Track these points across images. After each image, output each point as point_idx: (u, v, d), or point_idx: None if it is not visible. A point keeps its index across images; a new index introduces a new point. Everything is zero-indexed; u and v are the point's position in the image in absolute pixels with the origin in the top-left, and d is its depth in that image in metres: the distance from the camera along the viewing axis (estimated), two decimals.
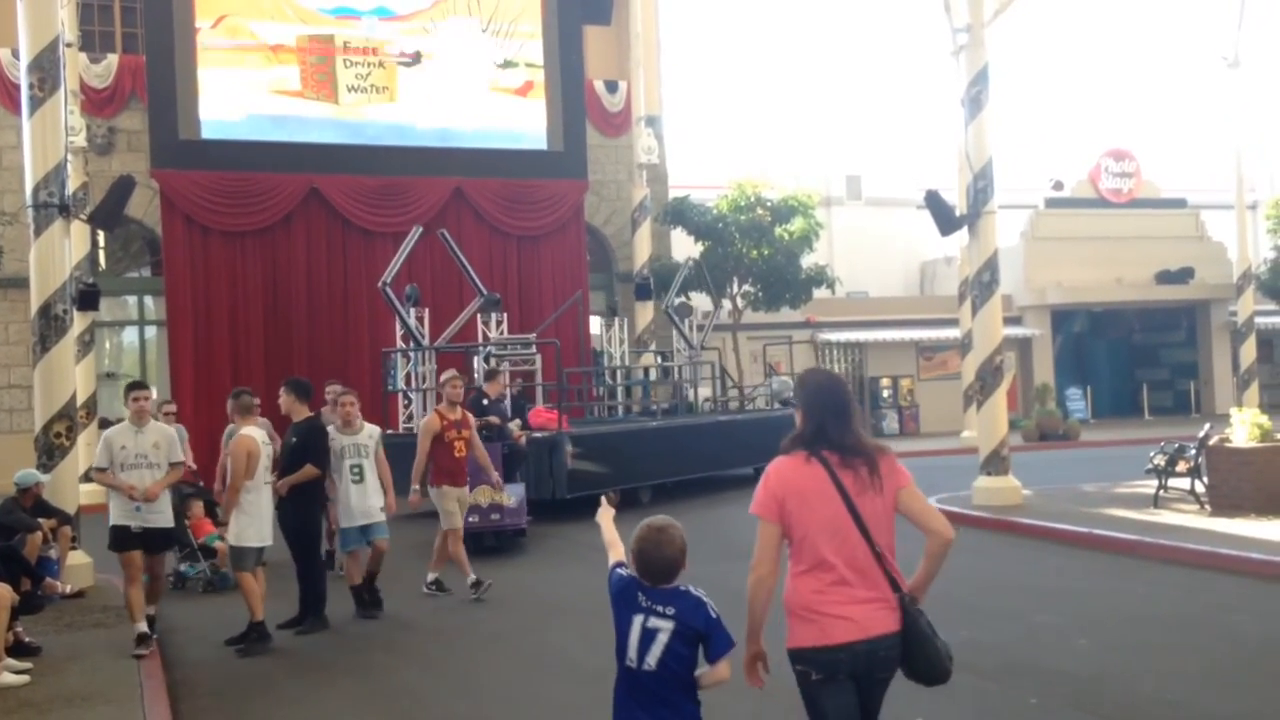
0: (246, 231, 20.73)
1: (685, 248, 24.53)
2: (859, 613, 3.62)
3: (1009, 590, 9.20)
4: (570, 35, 23.12)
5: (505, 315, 18.66)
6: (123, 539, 7.79)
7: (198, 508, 10.91)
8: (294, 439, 8.52)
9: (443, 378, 10.31)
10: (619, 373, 20.74)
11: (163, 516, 7.98)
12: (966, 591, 9.12)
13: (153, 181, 20.36)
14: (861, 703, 3.68)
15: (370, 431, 9.17)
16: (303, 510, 8.48)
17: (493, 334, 17.67)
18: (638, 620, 3.59)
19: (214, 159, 20.46)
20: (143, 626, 7.68)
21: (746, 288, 24.14)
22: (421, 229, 17.86)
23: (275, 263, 20.96)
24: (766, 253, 23.30)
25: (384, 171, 21.39)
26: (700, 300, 25.82)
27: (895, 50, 38.96)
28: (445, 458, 9.61)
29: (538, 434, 14.43)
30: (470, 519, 11.57)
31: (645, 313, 23.05)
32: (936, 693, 4.03)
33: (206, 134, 20.54)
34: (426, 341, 16.71)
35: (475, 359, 16.30)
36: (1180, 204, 32.85)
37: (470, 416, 10.20)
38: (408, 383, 17.01)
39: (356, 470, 8.95)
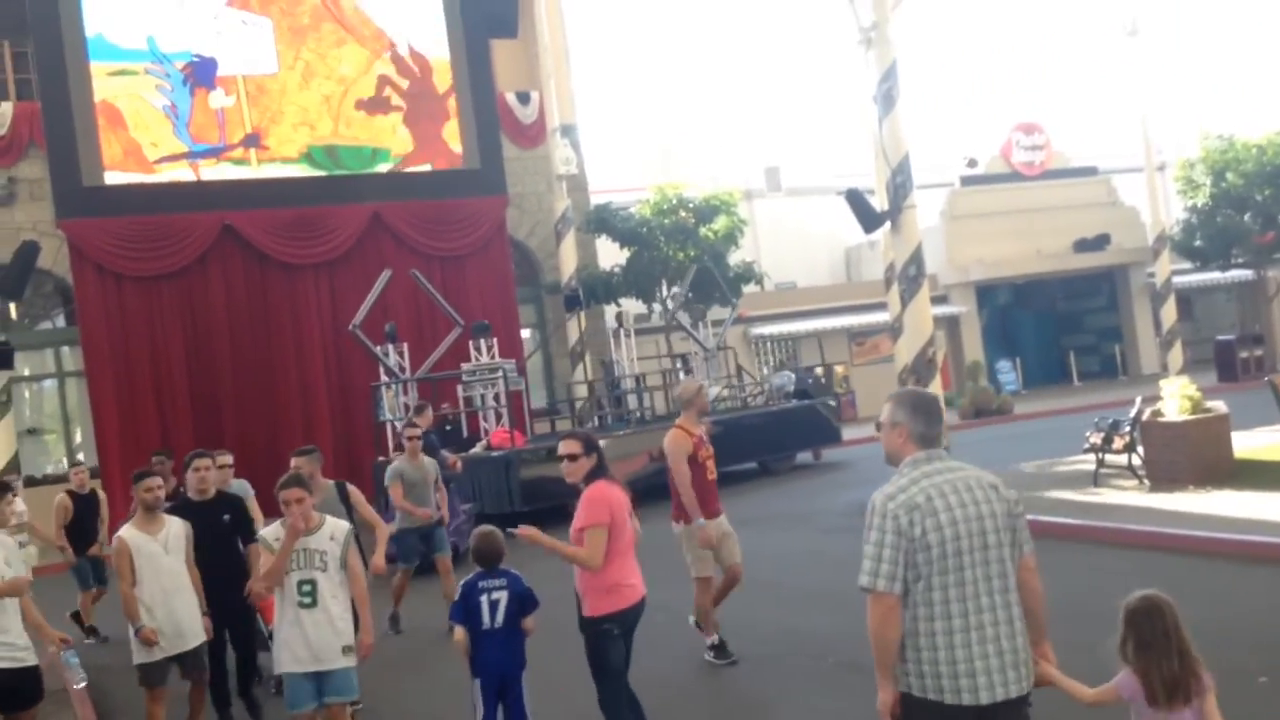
0: (161, 275, 20.16)
1: (611, 255, 24.43)
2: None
3: None
4: (478, 50, 22.85)
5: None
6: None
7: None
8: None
9: (680, 387, 8.41)
10: (634, 380, 20.88)
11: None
12: None
13: (59, 231, 19.74)
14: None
15: (333, 530, 5.94)
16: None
17: (484, 358, 18.56)
18: (483, 597, 5.55)
19: (120, 204, 19.88)
20: None
21: (675, 290, 24.11)
22: (390, 272, 18.85)
23: (193, 305, 20.44)
24: (693, 253, 23.26)
25: (298, 202, 20.96)
26: (630, 305, 25.78)
27: (803, 40, 39.20)
28: (698, 481, 7.64)
29: (494, 453, 15.69)
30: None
31: (575, 322, 22.91)
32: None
33: (110, 179, 19.94)
34: (409, 373, 17.90)
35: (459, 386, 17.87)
36: (1091, 172, 33.51)
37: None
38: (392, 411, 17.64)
39: (307, 589, 5.80)
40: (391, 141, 22.01)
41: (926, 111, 35.78)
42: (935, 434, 3.74)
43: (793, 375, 21.69)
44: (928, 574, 3.52)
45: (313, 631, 5.70)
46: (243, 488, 9.03)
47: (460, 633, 5.61)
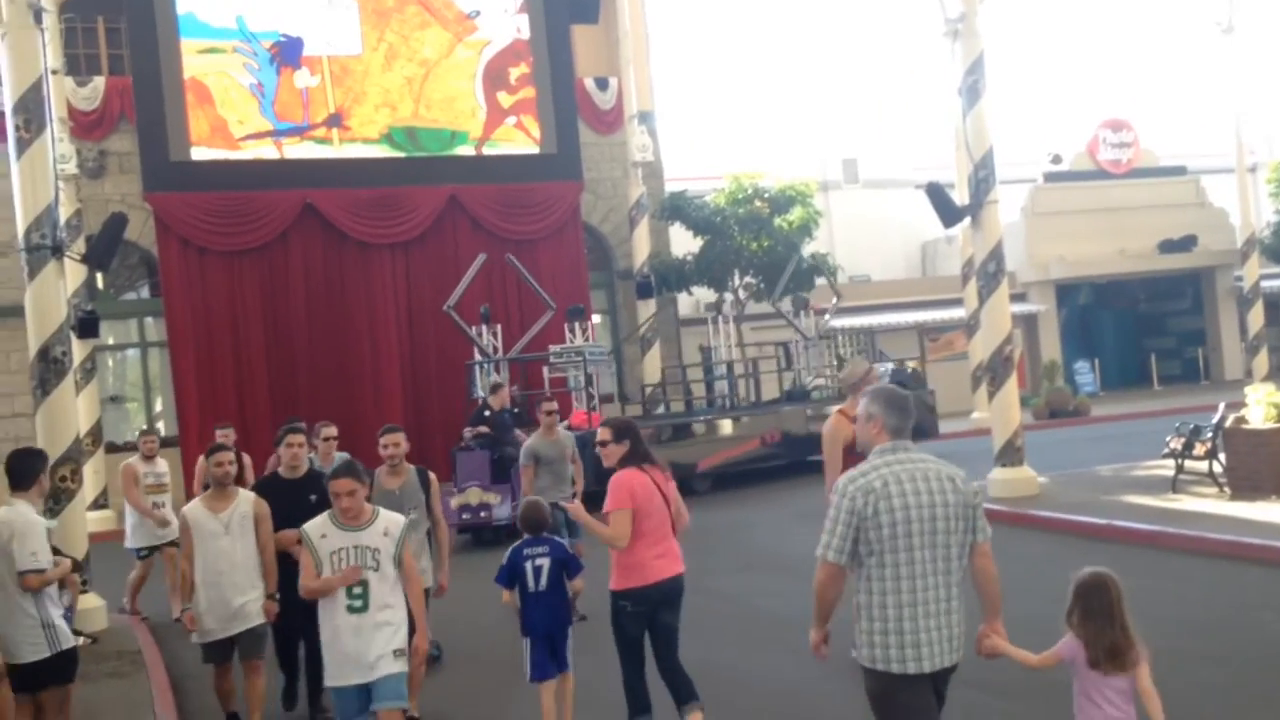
0: (243, 250, 20.58)
1: (684, 243, 24.37)
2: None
3: (1031, 594, 9.01)
4: (559, 35, 22.91)
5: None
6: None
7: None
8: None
9: (846, 369, 7.79)
10: (730, 367, 20.96)
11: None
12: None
13: (146, 204, 20.23)
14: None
15: (386, 524, 5.42)
16: None
17: (578, 340, 18.86)
18: (528, 563, 6.04)
19: (206, 179, 20.32)
20: None
21: (748, 279, 23.97)
22: (485, 255, 19.20)
23: (273, 279, 20.84)
24: (766, 244, 23.11)
25: (377, 183, 21.22)
26: (701, 293, 25.70)
27: (886, 31, 38.71)
28: None
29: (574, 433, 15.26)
30: (463, 516, 13.72)
31: (647, 309, 22.89)
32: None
33: (196, 155, 20.37)
34: (501, 354, 18.47)
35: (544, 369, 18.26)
36: (1180, 172, 32.62)
37: None
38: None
39: (358, 592, 5.29)
40: (470, 124, 22.16)
41: (1012, 105, 35.11)
42: (905, 427, 4.16)
43: (891, 366, 21.44)
44: (879, 550, 3.96)
45: (361, 639, 5.21)
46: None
47: (508, 595, 6.12)
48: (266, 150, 20.86)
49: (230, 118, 20.60)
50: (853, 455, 6.36)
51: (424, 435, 20.44)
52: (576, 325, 19.08)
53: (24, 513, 5.84)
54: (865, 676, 4.10)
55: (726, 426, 18.28)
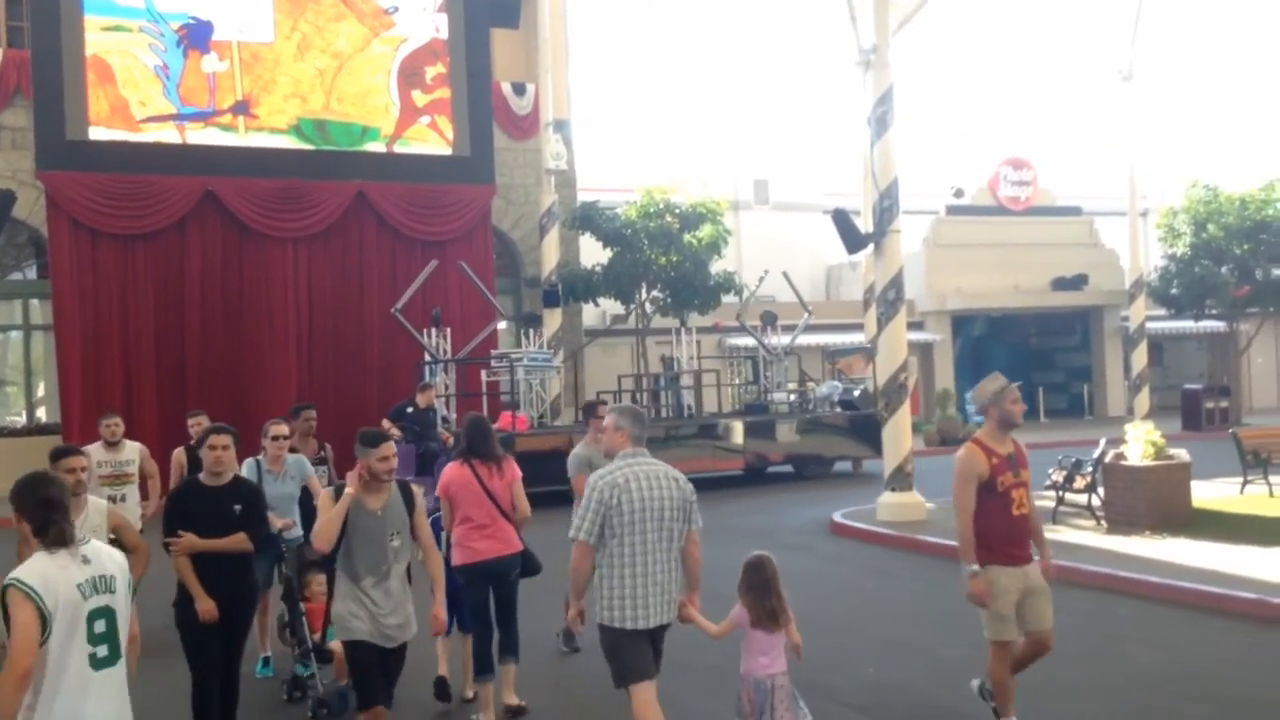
0: (137, 235, 19.95)
1: (594, 253, 24.38)
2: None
3: (916, 620, 9.26)
4: (478, 37, 22.75)
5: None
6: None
7: (318, 584, 7.44)
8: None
9: (979, 386, 6.34)
10: (689, 378, 21.51)
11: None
12: (874, 623, 9.19)
13: (38, 182, 19.50)
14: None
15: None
16: None
17: (532, 347, 19.76)
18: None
19: (103, 160, 19.65)
20: None
21: (655, 293, 24.09)
22: (436, 262, 19.49)
23: (167, 267, 20.24)
24: (675, 259, 23.24)
25: (283, 174, 20.78)
26: (609, 305, 25.72)
27: (801, 56, 39.36)
28: (998, 516, 5.88)
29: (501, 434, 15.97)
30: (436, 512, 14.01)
31: (554, 319, 22.83)
32: None
33: (95, 135, 19.70)
34: (448, 356, 18.76)
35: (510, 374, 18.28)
36: (1076, 212, 33.78)
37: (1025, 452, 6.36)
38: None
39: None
40: (383, 121, 21.87)
41: (918, 137, 35.95)
42: (643, 436, 5.20)
43: (839, 385, 21.96)
44: (620, 532, 4.94)
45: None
46: (300, 463, 8.08)
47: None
48: (168, 134, 20.30)
49: (132, 98, 20.00)
50: (991, 495, 5.83)
51: (319, 432, 20.01)
52: (532, 331, 20.01)
53: None
54: (601, 633, 5.05)
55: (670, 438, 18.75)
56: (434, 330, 18.80)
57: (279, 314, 20.86)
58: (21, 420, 21.73)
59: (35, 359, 21.84)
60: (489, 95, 23.03)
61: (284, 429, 7.95)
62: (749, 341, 28.62)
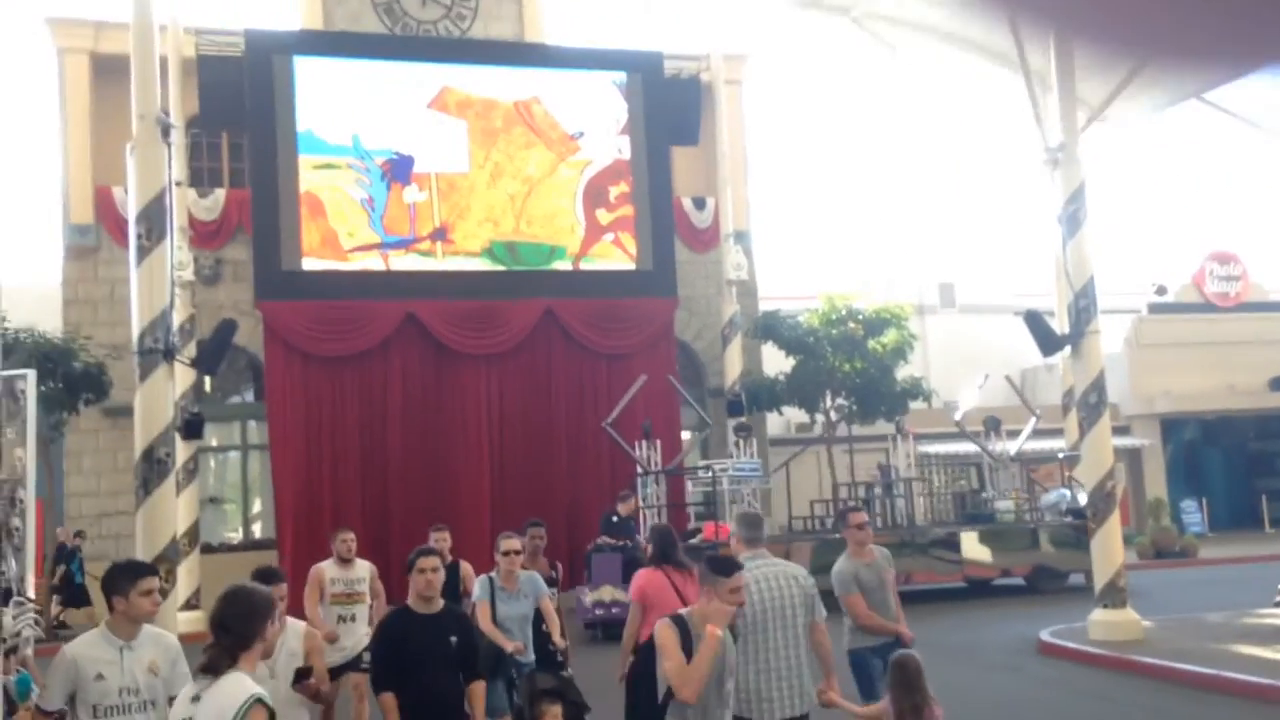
0: (344, 357, 21.06)
1: (776, 362, 24.31)
2: None
3: None
4: (659, 156, 23.40)
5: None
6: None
7: (552, 716, 6.00)
8: None
9: None
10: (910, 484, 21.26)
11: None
12: None
13: (257, 310, 20.94)
14: None
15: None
16: None
17: (742, 457, 19.98)
18: None
19: (314, 289, 20.95)
20: None
21: (839, 401, 23.76)
22: (645, 377, 20.28)
23: (371, 387, 21.25)
24: (859, 365, 22.93)
25: (477, 295, 21.66)
26: (792, 413, 25.49)
27: (986, 155, 38.78)
28: None
29: (703, 544, 16.46)
30: (596, 611, 15.69)
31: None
32: None
33: (307, 265, 21.09)
34: (657, 468, 19.26)
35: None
36: None
37: None
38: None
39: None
40: (569, 240, 22.65)
41: (1114, 234, 34.70)
42: (756, 538, 5.68)
43: (1067, 493, 20.95)
44: (746, 631, 5.29)
45: None
46: (533, 580, 7.49)
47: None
48: (373, 262, 21.55)
49: (340, 230, 21.38)
50: None
51: None
52: (741, 441, 20.34)
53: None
54: None
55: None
56: (644, 442, 19.31)
57: (472, 428, 21.55)
58: (238, 536, 22.98)
59: (251, 477, 23.16)
60: (670, 210, 23.56)
61: (516, 544, 7.47)
62: (943, 449, 27.84)
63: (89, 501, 21.03)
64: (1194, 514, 29.02)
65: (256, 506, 23.19)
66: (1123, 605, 12.96)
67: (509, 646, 7.08)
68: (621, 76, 23.30)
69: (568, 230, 22.72)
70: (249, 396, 22.93)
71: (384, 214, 21.68)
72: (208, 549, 19.76)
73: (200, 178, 22.42)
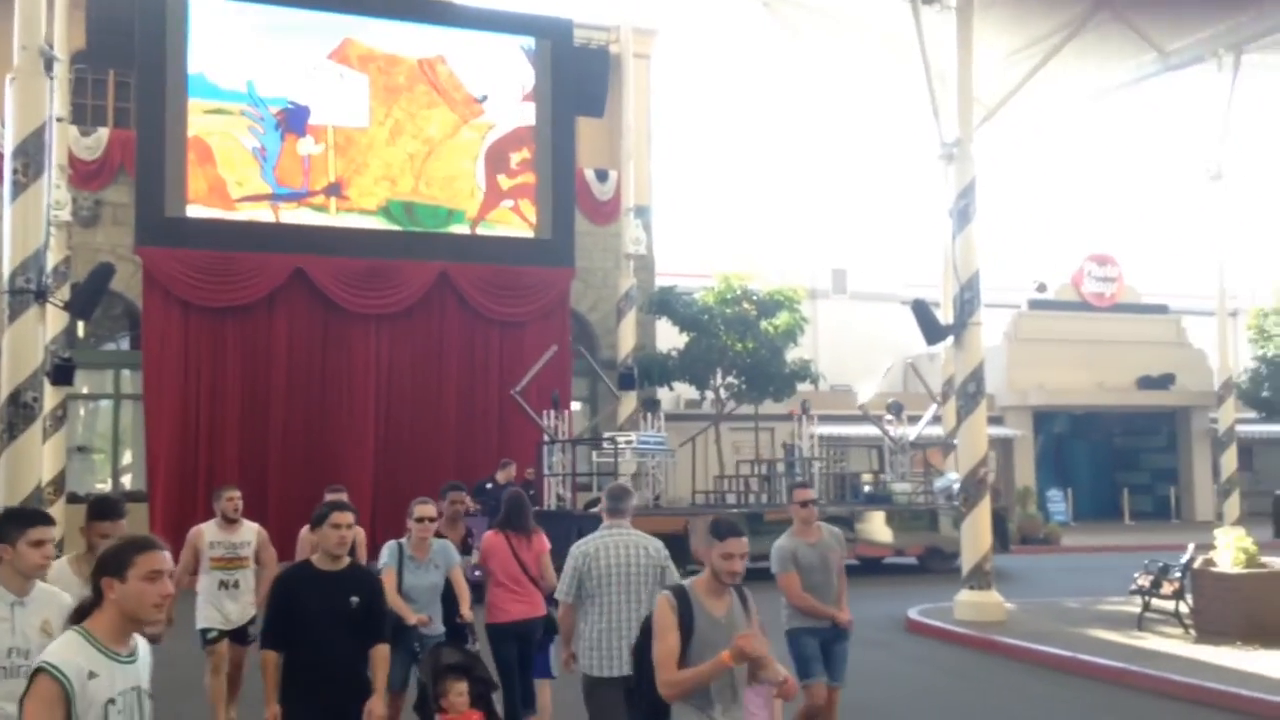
0: (227, 308, 20.46)
1: (670, 338, 24.49)
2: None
3: None
4: (563, 125, 23.25)
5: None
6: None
7: (457, 692, 5.93)
8: None
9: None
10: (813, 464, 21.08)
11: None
12: None
13: (136, 256, 20.21)
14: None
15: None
16: None
17: (649, 430, 19.76)
18: None
19: (199, 237, 20.27)
20: None
21: (730, 379, 24.06)
22: (556, 348, 20.44)
23: (255, 341, 20.71)
24: (751, 346, 23.25)
25: (370, 254, 21.26)
26: (683, 389, 25.75)
27: (881, 148, 39.52)
28: None
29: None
30: (475, 573, 14.01)
31: (629, 402, 22.86)
32: None
33: (192, 212, 20.40)
34: (565, 436, 19.40)
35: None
36: (1162, 310, 33.15)
37: None
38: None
39: None
40: (468, 204, 22.37)
41: (1000, 231, 35.73)
42: (620, 509, 5.98)
43: (956, 477, 21.49)
44: (591, 592, 5.74)
45: None
46: (445, 550, 7.17)
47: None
48: (263, 213, 20.96)
49: (229, 178, 20.74)
50: None
51: (397, 506, 20.17)
52: (650, 415, 20.44)
53: None
54: (581, 680, 5.77)
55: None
56: (552, 411, 19.28)
57: (359, 388, 21.20)
58: (107, 487, 22.25)
59: (123, 428, 22.42)
60: (572, 181, 23.46)
61: (431, 510, 7.00)
62: (828, 431, 28.38)
63: None
64: (1059, 503, 30.22)
65: (127, 458, 22.48)
66: (987, 587, 13.45)
67: (411, 619, 6.68)
68: (530, 42, 23.04)
69: (467, 194, 22.44)
70: (124, 344, 22.18)
71: (276, 165, 21.09)
72: (74, 499, 19.08)
73: (83, 115, 21.52)
